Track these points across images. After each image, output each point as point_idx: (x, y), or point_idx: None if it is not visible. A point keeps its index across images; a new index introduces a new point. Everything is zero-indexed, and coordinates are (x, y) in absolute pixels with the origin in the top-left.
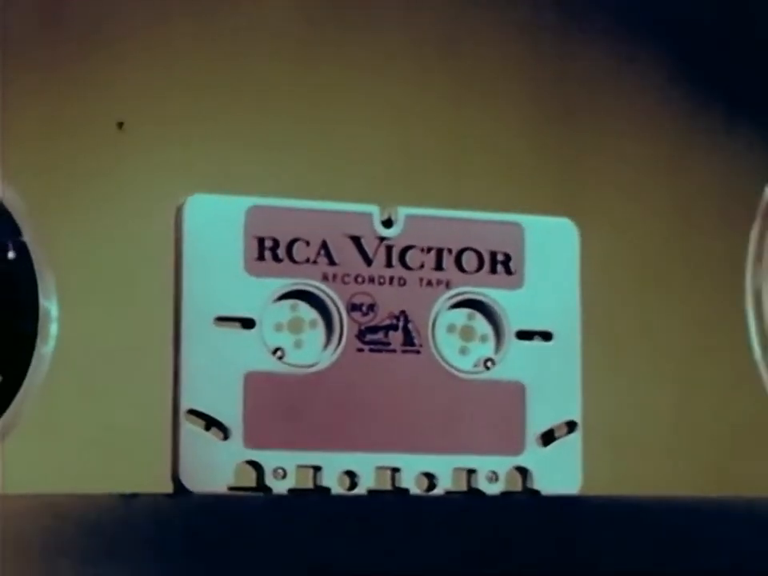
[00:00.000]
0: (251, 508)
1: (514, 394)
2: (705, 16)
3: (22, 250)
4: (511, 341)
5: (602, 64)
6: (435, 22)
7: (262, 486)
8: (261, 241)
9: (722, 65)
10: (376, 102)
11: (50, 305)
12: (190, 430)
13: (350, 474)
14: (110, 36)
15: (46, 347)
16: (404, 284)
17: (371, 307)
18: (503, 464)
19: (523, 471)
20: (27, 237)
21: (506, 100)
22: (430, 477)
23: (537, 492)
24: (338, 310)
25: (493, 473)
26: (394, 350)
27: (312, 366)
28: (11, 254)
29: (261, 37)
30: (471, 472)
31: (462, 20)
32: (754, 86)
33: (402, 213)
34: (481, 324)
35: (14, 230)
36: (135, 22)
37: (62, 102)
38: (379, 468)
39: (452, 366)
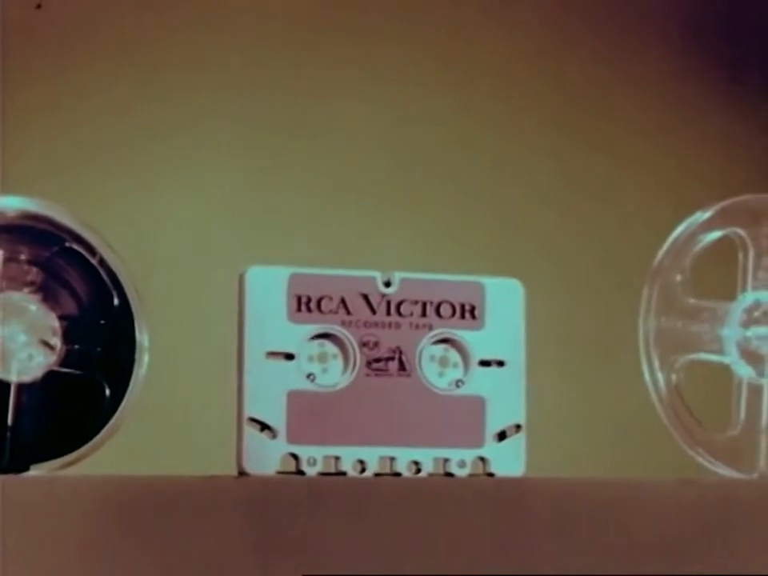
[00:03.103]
0: (292, 485)
1: (477, 405)
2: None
3: (123, 298)
4: (475, 367)
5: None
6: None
7: (299, 470)
8: (299, 298)
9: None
10: (381, 198)
11: (143, 339)
12: (250, 431)
13: (361, 462)
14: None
15: (141, 370)
16: (399, 327)
17: (376, 344)
18: (469, 454)
19: (483, 460)
20: (127, 288)
21: (471, 203)
22: (417, 464)
23: (493, 474)
24: (352, 346)
25: (462, 461)
26: (392, 375)
27: (335, 386)
28: (116, 301)
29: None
30: (446, 460)
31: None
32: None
33: (397, 276)
34: (453, 355)
35: (117, 285)
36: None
37: (153, 180)
38: (381, 457)
39: (433, 386)
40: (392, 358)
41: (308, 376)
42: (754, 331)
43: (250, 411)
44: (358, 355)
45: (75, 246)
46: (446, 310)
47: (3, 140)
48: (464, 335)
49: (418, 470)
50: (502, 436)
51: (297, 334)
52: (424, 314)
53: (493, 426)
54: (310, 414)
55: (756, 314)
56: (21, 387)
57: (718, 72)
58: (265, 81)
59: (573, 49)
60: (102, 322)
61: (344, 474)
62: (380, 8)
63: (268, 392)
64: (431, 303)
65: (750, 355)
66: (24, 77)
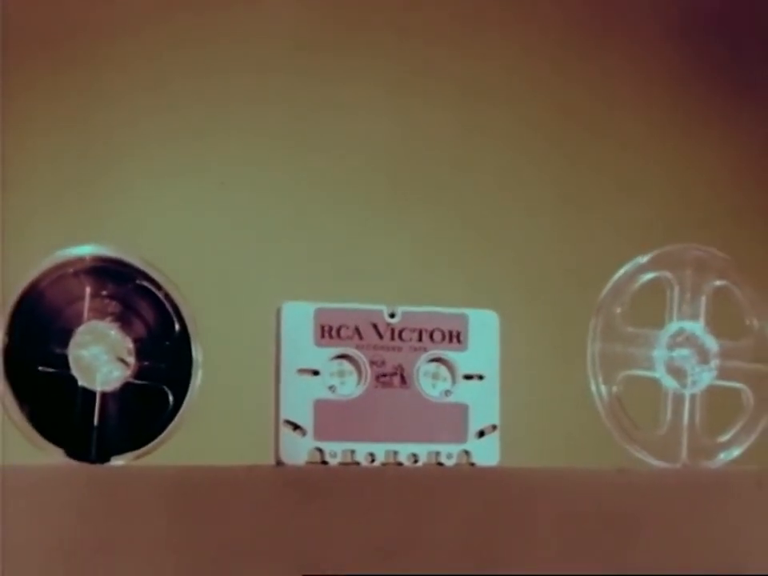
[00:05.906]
0: (318, 472)
1: (462, 410)
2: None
3: (183, 325)
4: (461, 380)
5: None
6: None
7: (323, 461)
8: (322, 327)
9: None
10: (386, 245)
11: (199, 357)
12: (284, 430)
13: (371, 455)
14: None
15: (197, 382)
16: (401, 350)
17: (383, 363)
18: (456, 448)
19: (467, 452)
20: (186, 317)
21: (459, 249)
22: (415, 456)
23: (474, 464)
24: (364, 364)
25: (450, 453)
26: (395, 387)
27: (351, 395)
28: (177, 327)
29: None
30: (438, 453)
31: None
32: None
33: (400, 309)
34: (443, 371)
35: (178, 314)
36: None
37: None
38: (387, 451)
39: (427, 395)
40: (395, 374)
41: (330, 388)
42: (678, 352)
43: (284, 415)
44: (369, 371)
45: (145, 283)
46: (437, 335)
47: (3, 160)
48: (452, 355)
49: (416, 461)
50: (481, 434)
51: (321, 355)
52: (420, 339)
53: (474, 426)
54: (332, 417)
55: (679, 338)
56: (104, 395)
57: (712, 110)
58: (293, 121)
59: (572, 71)
60: (167, 343)
61: (358, 464)
62: (385, 27)
63: (299, 400)
64: (426, 330)
65: (675, 371)
66: (27, 87)
